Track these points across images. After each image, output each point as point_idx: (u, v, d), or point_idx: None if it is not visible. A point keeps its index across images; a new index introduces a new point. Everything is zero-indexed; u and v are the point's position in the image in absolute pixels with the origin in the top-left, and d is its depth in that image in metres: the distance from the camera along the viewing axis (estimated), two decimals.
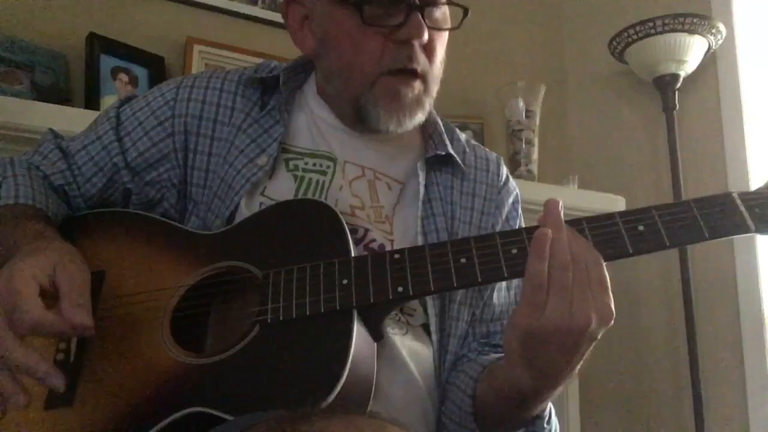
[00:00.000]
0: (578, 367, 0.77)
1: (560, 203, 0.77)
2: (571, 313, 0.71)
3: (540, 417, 0.86)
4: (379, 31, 0.91)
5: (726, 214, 0.75)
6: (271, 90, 1.03)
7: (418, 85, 0.94)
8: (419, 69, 0.93)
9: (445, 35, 0.98)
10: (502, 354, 0.86)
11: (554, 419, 0.90)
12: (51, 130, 1.07)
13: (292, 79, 1.05)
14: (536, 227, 0.77)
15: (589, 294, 0.72)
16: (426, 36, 0.91)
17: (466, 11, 0.95)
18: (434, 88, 0.97)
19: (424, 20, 0.91)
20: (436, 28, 0.94)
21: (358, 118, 0.97)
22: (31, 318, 0.72)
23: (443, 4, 0.95)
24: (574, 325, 0.72)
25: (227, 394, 0.75)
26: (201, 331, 0.85)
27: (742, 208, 0.75)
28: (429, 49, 0.94)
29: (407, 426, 0.49)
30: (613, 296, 0.74)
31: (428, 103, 0.98)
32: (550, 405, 0.87)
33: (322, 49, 0.97)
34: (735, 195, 0.76)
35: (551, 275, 0.72)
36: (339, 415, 0.47)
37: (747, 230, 0.75)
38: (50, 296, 0.75)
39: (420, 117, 0.97)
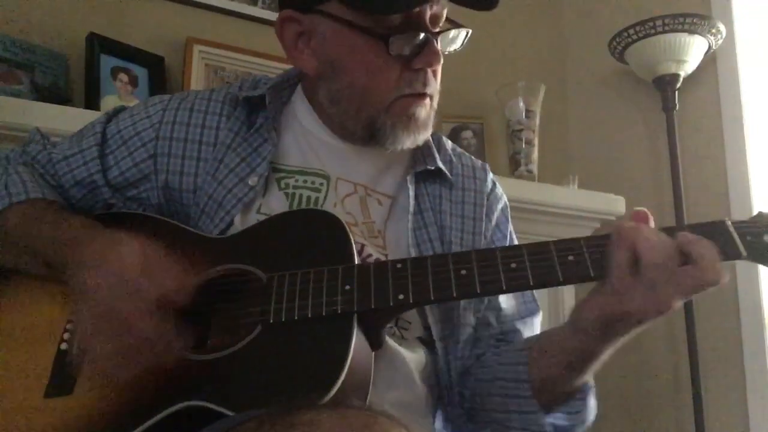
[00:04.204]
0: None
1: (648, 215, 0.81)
2: (658, 301, 0.76)
3: (589, 385, 0.92)
4: (399, 59, 0.92)
5: (719, 241, 0.77)
6: (258, 108, 1.03)
7: (428, 104, 0.97)
8: (429, 92, 0.96)
9: None
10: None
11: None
12: (37, 129, 1.08)
13: (278, 95, 1.05)
14: (538, 243, 0.80)
15: (677, 280, 0.75)
16: (440, 63, 0.94)
17: (467, 33, 0.98)
18: (436, 102, 1.00)
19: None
20: (444, 52, 0.97)
21: (369, 136, 0.98)
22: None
23: (453, 28, 0.97)
24: (660, 309, 0.76)
25: (225, 389, 0.76)
26: (204, 329, 0.86)
27: (735, 236, 0.78)
28: (434, 71, 0.97)
29: (399, 419, 0.49)
30: None
31: (433, 118, 1.00)
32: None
33: (330, 71, 0.97)
34: (728, 223, 0.79)
35: (642, 274, 0.75)
36: (329, 408, 0.47)
37: (738, 256, 0.78)
38: None
39: (428, 133, 1.00)
